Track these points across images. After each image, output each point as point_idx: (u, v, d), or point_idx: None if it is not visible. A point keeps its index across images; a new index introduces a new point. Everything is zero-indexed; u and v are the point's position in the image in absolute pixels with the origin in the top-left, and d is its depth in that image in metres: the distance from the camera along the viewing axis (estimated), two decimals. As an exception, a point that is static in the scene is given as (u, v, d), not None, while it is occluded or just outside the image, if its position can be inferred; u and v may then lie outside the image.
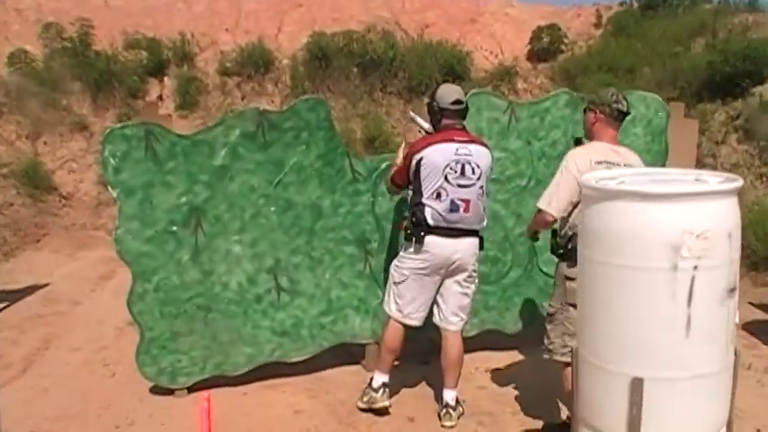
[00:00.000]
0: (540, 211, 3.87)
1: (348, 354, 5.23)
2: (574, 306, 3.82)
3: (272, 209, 4.70)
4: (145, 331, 4.56)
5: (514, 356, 5.37)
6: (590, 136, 4.06)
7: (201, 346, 4.68)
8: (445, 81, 13.09)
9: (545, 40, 14.23)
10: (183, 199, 4.49)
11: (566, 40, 14.29)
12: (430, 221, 4.17)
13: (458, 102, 4.30)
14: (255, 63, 12.99)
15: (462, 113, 4.33)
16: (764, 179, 8.95)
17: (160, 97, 12.72)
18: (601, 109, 3.95)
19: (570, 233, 3.87)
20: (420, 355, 5.06)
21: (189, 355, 4.66)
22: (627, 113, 4.02)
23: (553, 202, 3.83)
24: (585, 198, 2.72)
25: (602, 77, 12.08)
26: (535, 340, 5.21)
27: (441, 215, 4.16)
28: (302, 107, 4.67)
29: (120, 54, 12.78)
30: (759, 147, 9.39)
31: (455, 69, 13.34)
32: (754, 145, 9.48)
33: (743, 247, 7.12)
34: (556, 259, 4.08)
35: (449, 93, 4.33)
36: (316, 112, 4.70)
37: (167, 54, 13.11)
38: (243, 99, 12.72)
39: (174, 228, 4.50)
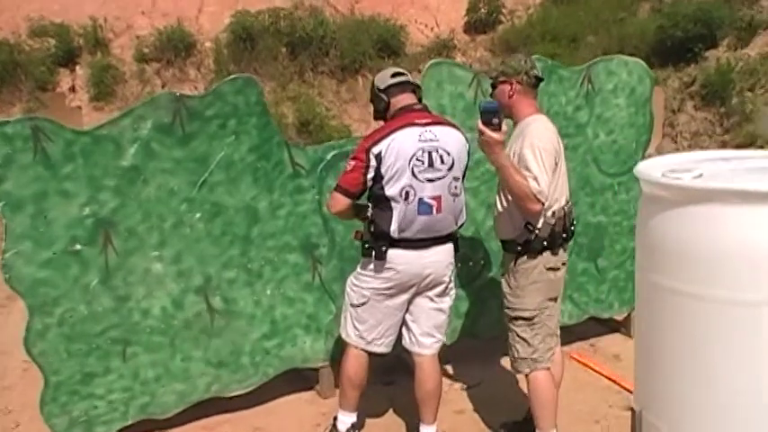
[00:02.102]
0: (536, 200, 3.19)
1: (299, 378, 4.45)
2: (555, 300, 3.48)
3: (198, 215, 3.87)
4: (50, 376, 3.68)
5: (493, 368, 4.65)
6: (507, 111, 3.43)
7: (121, 388, 3.84)
8: (380, 57, 12.53)
9: (482, 10, 13.58)
10: (87, 210, 3.62)
11: (504, 10, 13.65)
12: (394, 232, 3.40)
13: (398, 74, 3.59)
14: (175, 47, 12.09)
15: (410, 87, 3.58)
16: (728, 147, 8.41)
17: (72, 88, 11.70)
18: (517, 79, 3.42)
19: (553, 220, 3.34)
20: (383, 373, 4.33)
21: (106, 399, 3.81)
22: (542, 79, 3.58)
23: (544, 186, 3.20)
24: (650, 199, 1.93)
25: (545, 48, 11.51)
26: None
27: (409, 221, 3.39)
28: (228, 89, 3.84)
29: (24, 42, 11.72)
30: (719, 113, 8.88)
31: (390, 45, 12.68)
32: (714, 112, 8.97)
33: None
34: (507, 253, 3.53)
35: (385, 72, 3.68)
36: (245, 94, 3.87)
37: (78, 41, 12.09)
38: (163, 87, 11.81)
39: (78, 246, 3.63)
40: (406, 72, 3.62)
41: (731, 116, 8.67)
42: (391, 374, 4.36)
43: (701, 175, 1.83)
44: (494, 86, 3.52)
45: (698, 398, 1.81)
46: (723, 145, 8.45)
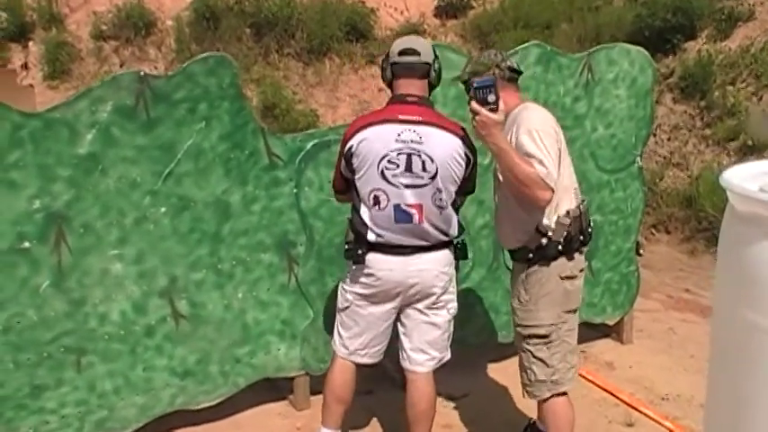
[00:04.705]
0: (546, 186, 2.83)
1: (271, 388, 4.08)
2: (574, 312, 3.10)
3: (163, 210, 3.47)
4: (-7, 388, 3.29)
5: (480, 378, 4.33)
6: None
7: (76, 401, 3.44)
8: (348, 41, 12.15)
9: (453, -5, 13.22)
10: (37, 203, 3.21)
11: (476, -5, 13.33)
12: (370, 237, 3.06)
13: (407, 51, 3.10)
14: (135, 25, 11.51)
15: (420, 70, 3.11)
16: (710, 142, 8.17)
17: (25, 65, 11.10)
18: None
19: (567, 220, 2.98)
20: (361, 382, 3.97)
21: (59, 413, 3.42)
22: (521, 72, 3.22)
23: (551, 169, 2.85)
24: (748, 219, 1.56)
25: (517, 35, 11.21)
26: (501, 353, 4.31)
27: (384, 228, 3.04)
28: (199, 69, 3.43)
29: (-28, 17, 11.06)
30: (699, 107, 8.63)
31: (358, 28, 12.26)
32: (694, 105, 8.72)
33: (701, 220, 6.38)
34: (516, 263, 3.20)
35: (399, 42, 3.18)
36: (217, 75, 3.47)
37: (31, 16, 11.44)
38: (122, 66, 11.22)
39: (27, 244, 3.22)
40: (418, 49, 3.13)
41: (712, 110, 8.42)
42: (370, 383, 4.01)
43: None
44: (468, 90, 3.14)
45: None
46: (704, 139, 8.21)
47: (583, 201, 3.13)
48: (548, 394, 3.15)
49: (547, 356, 3.10)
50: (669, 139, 8.56)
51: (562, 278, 3.05)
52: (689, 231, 7.24)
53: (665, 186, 7.86)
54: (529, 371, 3.15)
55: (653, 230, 7.48)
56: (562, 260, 3.04)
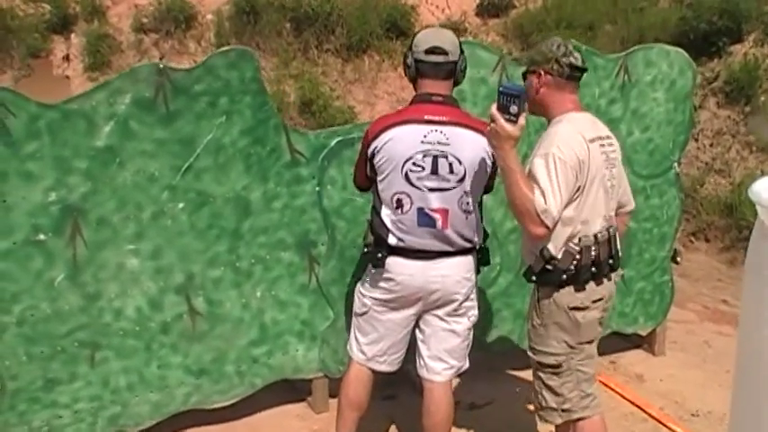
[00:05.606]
0: (539, 222, 2.65)
1: (290, 389, 4.01)
2: (590, 342, 2.89)
3: (181, 206, 3.41)
4: (6, 381, 3.25)
5: (505, 385, 4.20)
6: (537, 109, 2.88)
7: (89, 396, 3.40)
8: (388, 38, 12.06)
9: (495, -7, 13.06)
10: (53, 195, 3.17)
11: (518, -6, 13.15)
12: (391, 240, 2.95)
13: (435, 50, 2.93)
14: (175, 18, 11.56)
15: (447, 70, 2.96)
16: (754, 148, 7.94)
17: (67, 57, 11.21)
18: (546, 68, 2.82)
19: (577, 248, 2.76)
20: (383, 386, 3.88)
21: (72, 408, 3.38)
22: (584, 69, 2.89)
23: (552, 206, 2.64)
24: None
25: (559, 35, 11.01)
26: (527, 361, 4.19)
27: (406, 232, 2.93)
28: (220, 63, 3.36)
29: (18, 8, 11.18)
30: (743, 112, 8.40)
31: (398, 25, 12.17)
32: (738, 110, 8.48)
33: (742, 229, 6.17)
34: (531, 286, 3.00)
35: (425, 37, 3.01)
36: (239, 69, 3.39)
37: (74, 8, 11.56)
38: (161, 59, 11.27)
39: (42, 236, 3.18)
40: (446, 48, 2.95)
41: (756, 115, 8.20)
42: (392, 388, 3.93)
43: None
44: (524, 77, 2.96)
45: None
46: (748, 146, 7.98)
47: (609, 228, 2.89)
48: (559, 421, 3.00)
49: (557, 385, 2.95)
50: (712, 145, 8.33)
51: (570, 308, 2.85)
52: (729, 240, 7.02)
53: (705, 193, 7.66)
54: (540, 396, 3.01)
55: (692, 238, 7.28)
56: (568, 290, 2.83)
